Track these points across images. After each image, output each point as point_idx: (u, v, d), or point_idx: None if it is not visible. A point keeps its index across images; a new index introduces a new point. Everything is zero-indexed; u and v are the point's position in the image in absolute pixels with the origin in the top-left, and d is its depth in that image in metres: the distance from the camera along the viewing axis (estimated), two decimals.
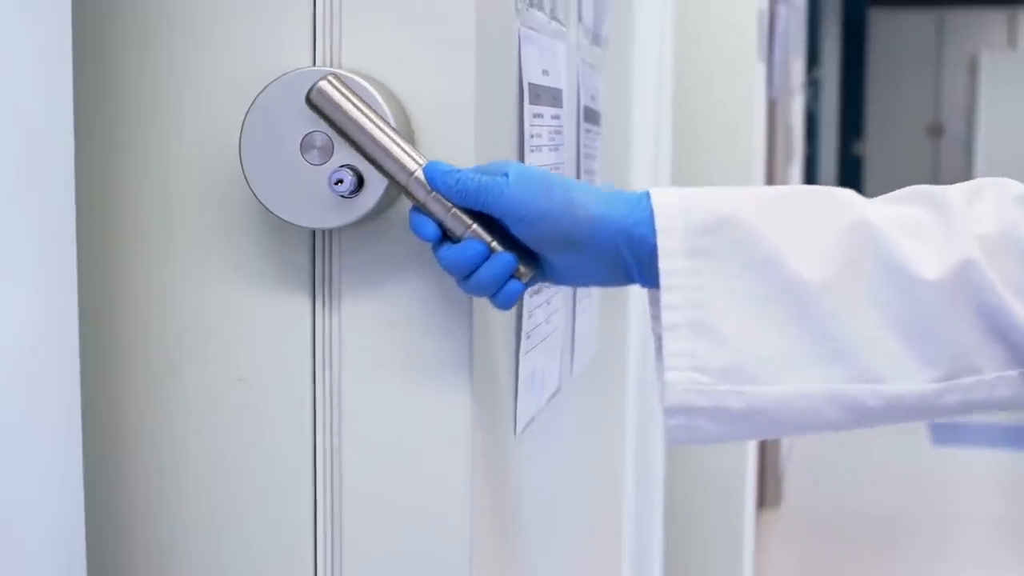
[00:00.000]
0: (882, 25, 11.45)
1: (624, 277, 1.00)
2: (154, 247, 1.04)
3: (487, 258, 0.96)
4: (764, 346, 0.96)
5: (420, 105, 1.00)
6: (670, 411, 0.98)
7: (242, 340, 1.03)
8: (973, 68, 11.30)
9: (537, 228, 0.96)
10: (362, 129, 0.95)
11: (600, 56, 1.53)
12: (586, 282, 1.02)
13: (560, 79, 1.25)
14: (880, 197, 1.02)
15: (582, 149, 1.38)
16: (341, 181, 0.95)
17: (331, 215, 0.97)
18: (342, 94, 0.95)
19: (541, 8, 1.19)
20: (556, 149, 1.22)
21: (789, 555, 4.57)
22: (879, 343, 0.96)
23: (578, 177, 1.36)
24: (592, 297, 1.50)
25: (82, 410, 0.93)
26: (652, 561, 2.44)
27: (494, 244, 0.96)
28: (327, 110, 0.95)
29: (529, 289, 1.14)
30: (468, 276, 0.97)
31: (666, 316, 0.97)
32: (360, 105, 0.95)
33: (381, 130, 0.95)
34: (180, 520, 1.05)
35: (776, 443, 4.91)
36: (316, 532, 1.03)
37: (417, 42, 0.99)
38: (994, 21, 11.68)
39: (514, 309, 1.13)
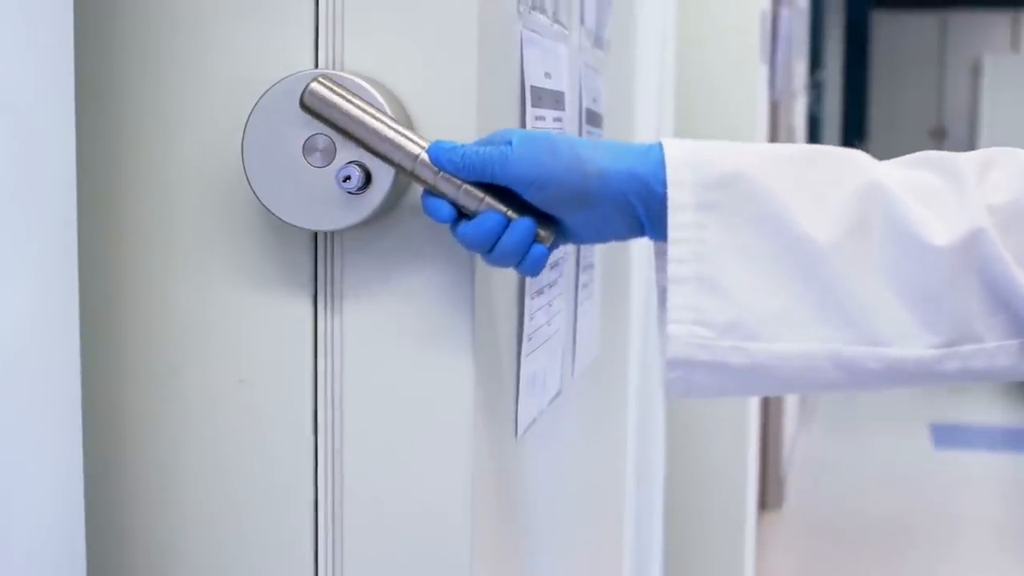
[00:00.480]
0: (885, 27, 11.45)
1: (639, 228, 1.00)
2: (156, 248, 1.04)
3: (506, 227, 0.96)
4: (768, 303, 0.96)
5: (422, 107, 1.00)
6: (671, 364, 0.98)
7: (243, 341, 1.03)
8: (976, 71, 11.29)
9: (548, 190, 0.96)
10: (360, 123, 0.95)
11: (602, 58, 1.53)
12: (604, 237, 1.02)
13: (562, 82, 1.25)
14: (891, 160, 1.02)
15: None
16: (349, 178, 0.95)
17: (334, 217, 0.97)
18: (335, 92, 0.95)
19: (543, 11, 1.19)
20: None
21: (790, 557, 4.57)
22: (883, 306, 0.96)
23: None
24: (593, 299, 1.50)
25: (82, 410, 0.93)
26: (652, 563, 2.44)
27: (510, 212, 0.96)
28: (322, 110, 0.95)
29: (530, 292, 1.14)
30: (491, 249, 0.96)
31: (672, 269, 0.97)
32: (355, 100, 0.95)
33: (379, 121, 0.95)
34: (181, 521, 1.05)
35: (778, 445, 4.91)
36: (317, 534, 1.03)
37: (419, 44, 0.99)
38: (997, 24, 11.68)
39: (515, 311, 1.13)
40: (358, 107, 0.95)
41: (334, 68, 1.00)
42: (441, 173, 0.95)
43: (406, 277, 1.01)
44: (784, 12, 3.81)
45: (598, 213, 0.98)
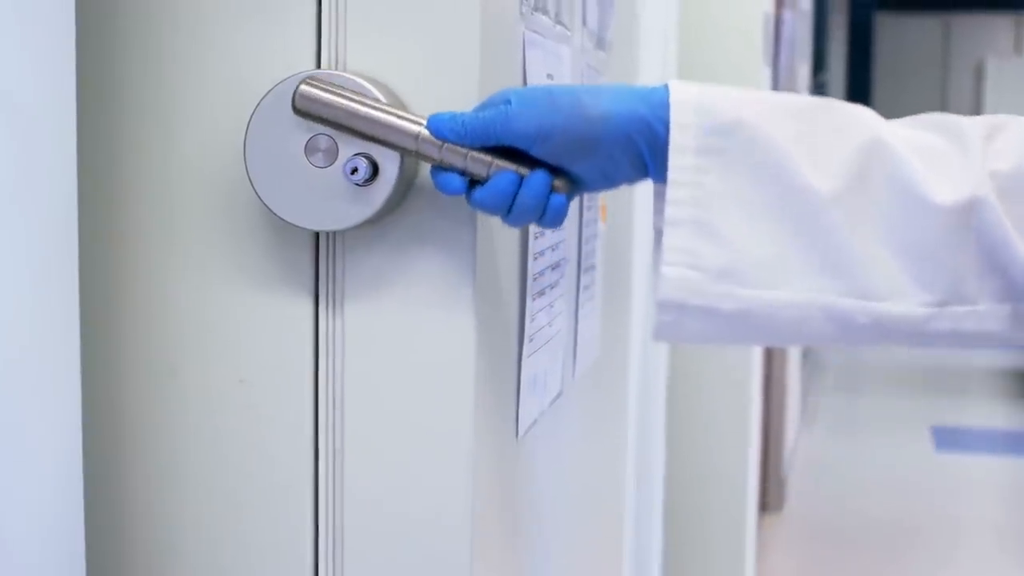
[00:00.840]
0: (888, 30, 11.45)
1: (644, 170, 0.99)
2: (156, 248, 1.04)
3: (520, 184, 0.96)
4: (762, 251, 0.96)
5: (424, 107, 0.99)
6: (662, 306, 0.97)
7: (244, 341, 1.03)
8: (979, 74, 11.30)
9: (553, 140, 0.96)
10: (355, 115, 0.95)
11: (604, 60, 1.53)
12: (613, 182, 1.01)
13: (564, 82, 1.25)
14: (897, 120, 1.02)
15: None
16: (356, 170, 0.95)
17: (336, 217, 0.97)
18: (325, 91, 0.95)
19: (546, 12, 1.19)
20: None
21: (791, 560, 4.57)
22: (878, 261, 0.96)
23: None
24: (595, 300, 1.50)
25: (82, 410, 0.93)
26: (652, 564, 2.44)
27: (521, 170, 0.96)
28: (316, 110, 0.95)
29: (531, 293, 1.14)
30: (509, 209, 0.96)
31: (670, 211, 0.97)
32: (347, 94, 0.95)
33: (374, 108, 0.95)
34: (180, 521, 1.05)
35: (779, 447, 4.91)
36: (317, 534, 1.03)
37: (422, 45, 0.99)
38: (1000, 27, 11.68)
39: (516, 312, 1.13)
40: (350, 100, 0.95)
41: (336, 69, 1.00)
42: (445, 145, 0.95)
43: (408, 277, 1.01)
44: (787, 14, 3.81)
45: (604, 156, 0.97)
